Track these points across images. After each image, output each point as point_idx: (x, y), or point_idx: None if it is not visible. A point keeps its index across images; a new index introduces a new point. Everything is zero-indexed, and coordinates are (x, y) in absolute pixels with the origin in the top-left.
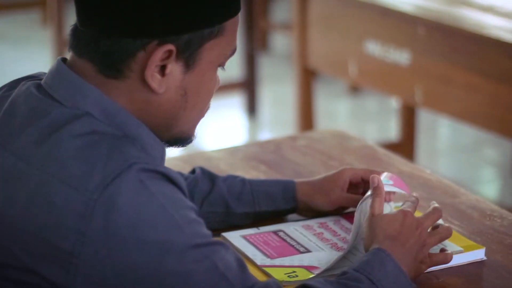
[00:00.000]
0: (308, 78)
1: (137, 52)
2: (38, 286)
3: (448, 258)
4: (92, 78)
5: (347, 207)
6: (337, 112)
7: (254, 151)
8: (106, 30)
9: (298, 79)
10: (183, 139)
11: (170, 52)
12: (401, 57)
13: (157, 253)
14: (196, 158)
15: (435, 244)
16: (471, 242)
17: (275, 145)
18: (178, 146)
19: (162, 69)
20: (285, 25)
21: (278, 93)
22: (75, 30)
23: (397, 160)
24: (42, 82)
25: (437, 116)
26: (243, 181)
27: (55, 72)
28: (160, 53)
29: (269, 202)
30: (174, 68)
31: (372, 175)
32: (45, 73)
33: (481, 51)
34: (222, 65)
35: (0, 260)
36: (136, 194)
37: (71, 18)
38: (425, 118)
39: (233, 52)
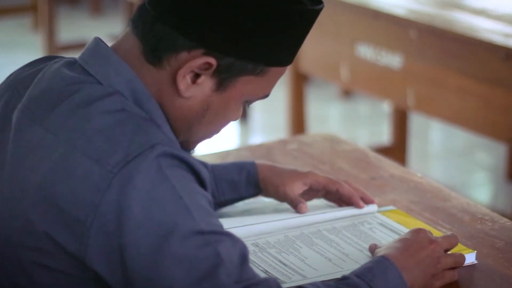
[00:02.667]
0: (300, 82)
1: (182, 50)
2: (53, 254)
3: (455, 275)
4: (135, 57)
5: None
6: (329, 116)
7: (245, 155)
8: (165, 18)
9: (290, 83)
10: (184, 148)
11: (210, 65)
12: (393, 60)
13: (162, 233)
14: None
15: (450, 265)
16: (462, 246)
17: (266, 149)
18: None
19: (196, 76)
20: None
21: (270, 97)
22: (142, 7)
23: (388, 163)
24: (78, 58)
25: (429, 120)
26: (206, 168)
27: (93, 49)
28: (200, 61)
29: (233, 191)
30: (207, 82)
31: None
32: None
33: (473, 54)
34: (249, 102)
35: (18, 225)
36: (153, 174)
37: (62, 23)
38: (417, 121)
39: (264, 96)
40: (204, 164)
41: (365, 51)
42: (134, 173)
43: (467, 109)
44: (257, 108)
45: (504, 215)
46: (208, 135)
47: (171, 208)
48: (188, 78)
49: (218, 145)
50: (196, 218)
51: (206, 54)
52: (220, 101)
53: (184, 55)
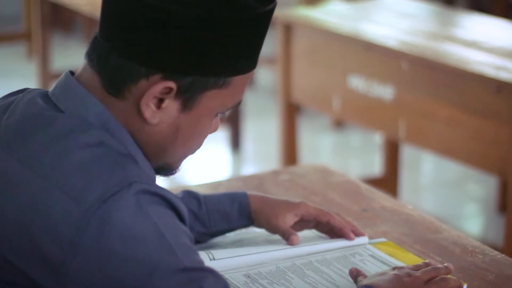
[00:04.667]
0: (292, 112)
1: (140, 78)
2: None
3: None
4: (97, 91)
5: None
6: (321, 147)
7: (237, 185)
8: (119, 49)
9: (282, 113)
10: (167, 170)
11: (170, 89)
12: (384, 92)
13: (145, 271)
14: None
15: None
16: (453, 278)
17: (258, 180)
18: (161, 175)
19: (160, 101)
20: (269, 59)
21: (262, 128)
22: (95, 39)
23: (380, 195)
24: (49, 92)
25: (421, 151)
26: (198, 199)
27: (62, 83)
28: (160, 87)
29: (225, 222)
30: (171, 105)
31: None
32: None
33: (464, 86)
34: (221, 113)
35: None
36: (132, 212)
37: (56, 51)
38: (408, 153)
39: (236, 105)
40: (195, 194)
41: (357, 83)
42: (112, 211)
43: (458, 141)
44: (249, 138)
45: (495, 247)
46: (187, 154)
47: (153, 245)
48: (152, 105)
49: (210, 175)
50: (179, 256)
51: (165, 78)
52: (189, 120)
53: (143, 83)
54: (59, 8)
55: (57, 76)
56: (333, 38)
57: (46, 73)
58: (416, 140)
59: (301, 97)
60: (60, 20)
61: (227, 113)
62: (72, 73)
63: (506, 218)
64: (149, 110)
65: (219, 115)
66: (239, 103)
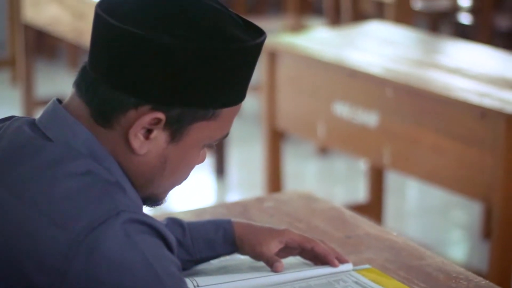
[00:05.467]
0: (276, 139)
1: (129, 109)
2: None
3: None
4: (85, 120)
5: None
6: (305, 173)
7: (221, 212)
8: (107, 79)
9: (267, 140)
10: (153, 201)
11: (159, 119)
12: (369, 118)
13: None
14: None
15: None
16: None
17: (242, 207)
18: (147, 206)
19: (148, 132)
20: (253, 86)
21: (247, 154)
22: (84, 69)
23: (364, 222)
24: (36, 120)
25: (405, 178)
26: (182, 226)
27: (50, 111)
28: (149, 117)
29: (210, 249)
30: (160, 136)
31: None
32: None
33: (448, 113)
34: (209, 145)
35: None
36: (120, 241)
37: (41, 78)
38: (393, 179)
39: (223, 137)
40: (179, 222)
41: (342, 109)
42: (100, 240)
43: (442, 168)
44: (234, 165)
45: (479, 273)
46: (174, 184)
47: (141, 275)
48: (140, 135)
49: (195, 202)
50: (166, 285)
51: (154, 109)
52: (177, 151)
53: (132, 113)
54: (43, 35)
55: (41, 103)
56: (318, 65)
57: (30, 100)
58: (400, 167)
59: (286, 124)
60: (44, 47)
61: (214, 144)
62: (59, 101)
63: (491, 244)
64: (137, 140)
65: (206, 146)
66: (226, 135)
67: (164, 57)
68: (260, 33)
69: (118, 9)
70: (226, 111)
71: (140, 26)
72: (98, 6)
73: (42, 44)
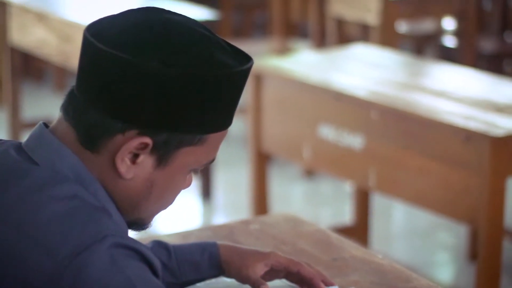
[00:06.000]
0: (262, 161)
1: (116, 133)
2: None
3: None
4: (72, 144)
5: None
6: (292, 196)
7: (207, 235)
8: (95, 103)
9: (253, 163)
10: (139, 225)
11: (146, 144)
12: (354, 141)
13: None
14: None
15: None
16: None
17: (228, 230)
18: (133, 230)
19: (135, 156)
20: (240, 109)
21: (233, 177)
22: (71, 93)
23: (349, 244)
24: (22, 144)
25: (391, 200)
26: (168, 249)
27: (36, 135)
28: (136, 142)
29: (195, 272)
30: (146, 160)
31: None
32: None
33: (433, 135)
34: (195, 170)
35: None
36: (106, 265)
37: (27, 100)
38: (379, 202)
39: (210, 162)
40: (165, 245)
41: (327, 132)
42: (86, 264)
43: (428, 190)
44: (220, 187)
45: None
46: (160, 209)
47: None
48: (127, 160)
49: (181, 224)
50: None
51: (141, 134)
52: (164, 176)
53: (119, 138)
54: (29, 57)
55: (27, 125)
56: (303, 88)
57: (16, 123)
58: (386, 189)
59: (271, 147)
60: (31, 70)
61: (200, 169)
62: (46, 125)
63: (477, 266)
64: (124, 165)
65: (192, 171)
66: (213, 160)
67: (151, 83)
68: (247, 59)
69: (107, 34)
70: (212, 136)
71: (128, 51)
72: (87, 30)
73: (29, 67)
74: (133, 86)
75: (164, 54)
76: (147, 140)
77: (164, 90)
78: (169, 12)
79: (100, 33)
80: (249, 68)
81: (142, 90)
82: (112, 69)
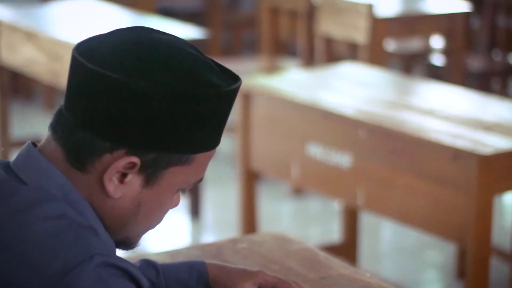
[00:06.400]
0: (251, 180)
1: (104, 153)
2: None
3: None
4: (60, 163)
5: None
6: (280, 214)
7: (195, 254)
8: (83, 122)
9: (242, 181)
10: (127, 244)
11: (134, 164)
12: (342, 160)
13: None
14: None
15: None
16: None
17: (216, 248)
18: (120, 249)
19: (123, 176)
20: (228, 127)
21: (222, 195)
22: (59, 112)
23: (337, 263)
24: (11, 163)
25: (379, 218)
26: (156, 268)
27: (24, 154)
28: (124, 162)
29: None
30: (134, 180)
31: None
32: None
33: (421, 154)
34: (183, 190)
35: None
36: (93, 285)
37: (16, 119)
38: (367, 220)
39: (198, 181)
40: (153, 263)
41: (315, 150)
42: (74, 283)
43: (416, 208)
44: (209, 206)
45: None
46: (147, 228)
47: None
48: (115, 179)
49: (170, 243)
50: None
51: (129, 153)
52: (151, 195)
53: (107, 157)
54: (18, 76)
55: (17, 144)
56: (292, 107)
57: (5, 141)
58: (374, 208)
59: (260, 165)
60: (20, 88)
61: (188, 188)
62: (34, 144)
63: (465, 284)
64: (112, 184)
65: (180, 190)
66: (201, 179)
67: (139, 102)
68: (235, 79)
69: (95, 53)
70: (200, 156)
71: (117, 71)
72: (75, 49)
73: (18, 86)
74: (121, 105)
75: (152, 74)
76: (135, 159)
77: (152, 110)
78: (157, 31)
79: (89, 53)
80: (237, 88)
81: (130, 109)
82: (100, 88)
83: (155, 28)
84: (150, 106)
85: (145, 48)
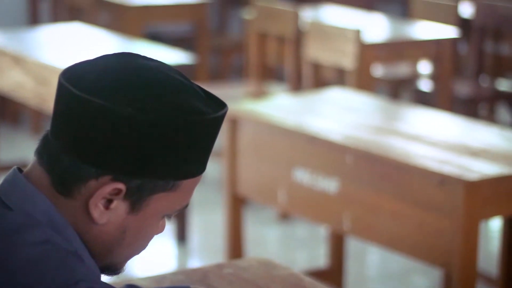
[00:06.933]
0: (237, 205)
1: (90, 179)
2: None
3: None
4: (45, 188)
5: None
6: (267, 239)
7: (180, 279)
8: (69, 148)
9: (228, 206)
10: (112, 269)
11: (119, 190)
12: (329, 185)
13: None
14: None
15: None
16: None
17: (202, 274)
18: (105, 274)
19: (109, 202)
20: (215, 152)
21: (208, 220)
22: (45, 137)
23: None
24: None
25: (366, 244)
26: None
27: (10, 180)
28: (110, 188)
29: None
30: (120, 206)
31: None
32: None
33: (408, 179)
34: (168, 216)
35: None
36: None
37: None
38: (354, 245)
39: (183, 207)
40: None
41: (302, 176)
42: None
43: (402, 234)
44: (195, 231)
45: None
46: (132, 254)
47: None
48: (101, 205)
49: (155, 267)
50: None
51: (114, 179)
52: (137, 221)
53: (92, 183)
54: (5, 100)
55: (4, 168)
56: (278, 132)
57: None
58: (360, 233)
59: (247, 190)
60: (7, 113)
61: (173, 215)
62: (20, 169)
63: None
64: (97, 210)
65: (165, 216)
66: (186, 206)
67: (125, 129)
68: (221, 106)
69: (82, 79)
70: (186, 182)
71: (103, 97)
72: (62, 75)
73: (5, 110)
74: (107, 131)
75: (138, 101)
76: (121, 186)
77: (137, 136)
78: (144, 57)
79: (75, 78)
80: (223, 115)
81: (115, 136)
82: (85, 114)
83: (142, 53)
84: (136, 132)
85: (132, 74)
